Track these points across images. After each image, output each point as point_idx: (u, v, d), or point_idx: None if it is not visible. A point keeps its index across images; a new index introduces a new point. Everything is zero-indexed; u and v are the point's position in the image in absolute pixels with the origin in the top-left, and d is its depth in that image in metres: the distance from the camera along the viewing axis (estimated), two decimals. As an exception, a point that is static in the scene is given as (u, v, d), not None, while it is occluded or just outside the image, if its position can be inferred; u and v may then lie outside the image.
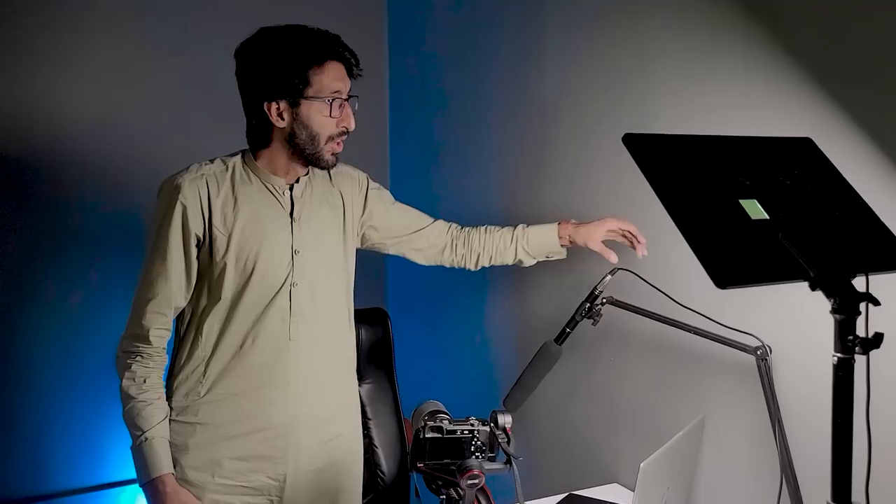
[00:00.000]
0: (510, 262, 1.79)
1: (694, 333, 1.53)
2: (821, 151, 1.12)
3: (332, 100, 1.49)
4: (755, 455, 1.50)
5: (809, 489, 1.36)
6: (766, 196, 0.98)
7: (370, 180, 1.75)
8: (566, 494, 1.78)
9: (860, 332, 0.91)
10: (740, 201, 0.96)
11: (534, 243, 1.76)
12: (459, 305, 2.47)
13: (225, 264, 1.50)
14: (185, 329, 1.57)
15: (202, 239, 1.51)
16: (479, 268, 1.81)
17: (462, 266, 1.82)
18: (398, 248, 1.78)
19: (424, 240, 1.78)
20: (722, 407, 1.60)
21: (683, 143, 1.03)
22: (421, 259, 1.81)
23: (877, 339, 0.89)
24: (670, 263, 1.60)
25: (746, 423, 1.52)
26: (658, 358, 1.77)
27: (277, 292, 1.53)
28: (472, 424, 1.26)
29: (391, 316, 2.30)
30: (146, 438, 1.47)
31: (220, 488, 1.52)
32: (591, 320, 1.68)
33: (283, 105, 1.49)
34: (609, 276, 1.72)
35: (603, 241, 1.69)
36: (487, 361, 2.39)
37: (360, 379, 2.15)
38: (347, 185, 1.69)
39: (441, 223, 1.81)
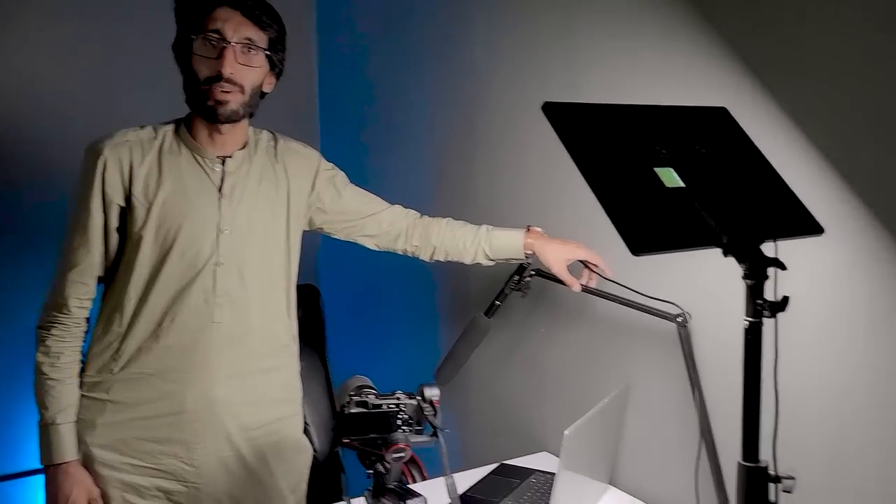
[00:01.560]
0: (467, 262, 1.70)
1: (618, 303, 1.56)
2: (735, 121, 1.14)
3: (201, 37, 1.41)
4: (677, 419, 1.55)
5: (726, 449, 1.40)
6: (681, 164, 1.00)
7: (323, 160, 1.66)
8: (497, 464, 1.80)
9: (769, 296, 0.94)
10: (656, 169, 0.97)
11: (496, 247, 1.66)
12: (392, 281, 2.46)
13: (142, 236, 1.44)
14: (104, 302, 1.50)
15: (124, 207, 1.45)
16: (432, 261, 1.73)
17: (415, 256, 1.73)
18: (348, 233, 1.69)
19: (376, 225, 1.69)
20: (646, 373, 1.64)
21: (601, 111, 1.03)
22: (372, 245, 1.72)
23: (783, 303, 0.92)
24: (596, 235, 1.62)
25: (669, 388, 1.56)
26: (585, 328, 1.80)
27: (200, 271, 1.46)
28: (398, 398, 1.25)
29: (322, 293, 2.28)
30: (52, 422, 1.42)
31: (128, 468, 1.47)
32: (520, 293, 1.69)
33: (177, 51, 1.45)
34: (537, 248, 1.74)
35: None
36: (419, 336, 2.39)
37: (291, 357, 2.13)
38: (294, 164, 1.60)
39: (398, 209, 1.72)
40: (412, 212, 1.74)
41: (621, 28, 1.64)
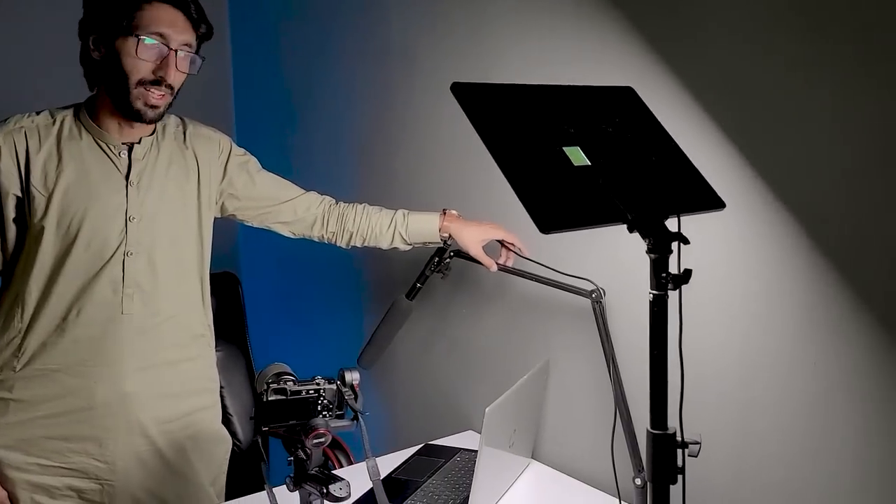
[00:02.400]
0: (385, 247, 1.70)
1: (536, 281, 1.59)
2: (641, 100, 1.17)
3: (144, 39, 1.35)
4: (594, 391, 1.59)
5: (641, 419, 1.45)
6: (588, 143, 1.02)
7: (234, 145, 1.62)
8: (422, 445, 1.81)
9: (673, 269, 0.97)
10: (564, 148, 0.99)
11: (413, 231, 1.67)
12: (314, 268, 2.43)
13: (43, 227, 1.37)
14: (3, 297, 1.43)
15: (21, 197, 1.38)
16: (349, 247, 1.72)
17: (332, 243, 1.72)
18: (262, 220, 1.66)
19: (291, 212, 1.66)
20: (565, 349, 1.68)
21: (510, 91, 1.04)
22: (287, 232, 1.70)
23: (686, 275, 0.96)
24: (512, 215, 1.64)
25: (586, 362, 1.60)
26: (506, 307, 1.82)
27: (108, 261, 1.41)
28: (317, 384, 1.24)
29: (243, 281, 2.23)
30: None
31: (35, 468, 1.41)
32: (441, 274, 1.70)
33: (100, 38, 1.37)
34: (457, 229, 1.75)
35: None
36: (343, 322, 2.37)
37: (212, 347, 2.08)
38: (204, 149, 1.55)
39: (313, 195, 1.70)
40: (327, 198, 1.73)
41: (533, 7, 1.66)
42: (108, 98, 1.41)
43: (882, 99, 1.13)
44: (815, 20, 1.19)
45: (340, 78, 2.26)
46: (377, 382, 2.20)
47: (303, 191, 1.69)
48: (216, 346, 2.08)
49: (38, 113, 1.43)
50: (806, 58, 1.21)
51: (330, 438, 1.20)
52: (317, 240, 1.73)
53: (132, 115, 1.39)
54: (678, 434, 0.98)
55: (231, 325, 2.12)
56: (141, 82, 1.37)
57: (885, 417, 1.17)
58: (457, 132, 1.87)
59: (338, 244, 1.72)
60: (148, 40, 1.35)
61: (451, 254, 1.69)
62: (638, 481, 1.44)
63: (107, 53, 1.37)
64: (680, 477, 0.98)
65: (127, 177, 1.43)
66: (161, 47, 1.37)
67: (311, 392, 1.22)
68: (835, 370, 1.22)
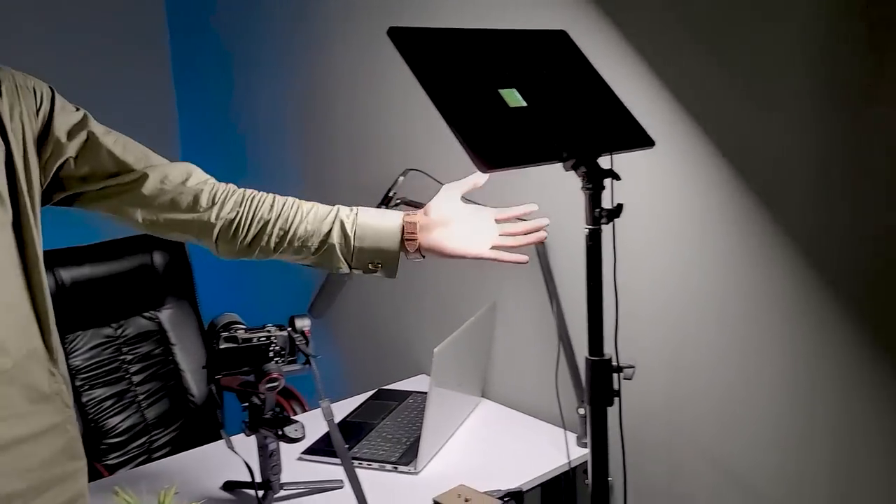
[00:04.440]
0: (313, 248, 1.18)
1: (480, 225, 1.63)
2: (574, 44, 1.20)
3: None
4: (538, 328, 1.66)
5: (582, 353, 1.52)
6: (524, 85, 1.05)
7: (59, 97, 1.10)
8: (375, 390, 1.86)
9: (606, 205, 1.02)
10: (500, 90, 1.01)
11: (364, 226, 1.19)
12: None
13: None
14: None
15: None
16: (257, 252, 1.18)
17: (218, 242, 1.17)
18: (111, 201, 1.13)
19: (156, 183, 1.13)
20: (511, 289, 1.73)
21: (446, 36, 1.06)
22: (144, 218, 1.14)
23: (618, 209, 1.01)
24: (456, 161, 1.67)
25: (531, 300, 1.66)
26: (452, 253, 1.86)
27: None
28: (268, 331, 1.26)
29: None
30: None
31: None
32: (387, 222, 1.72)
33: None
34: (402, 178, 1.77)
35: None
36: (293, 273, 2.38)
37: (160, 304, 2.08)
38: (13, 107, 1.02)
39: (194, 167, 1.19)
40: (215, 181, 1.21)
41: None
42: None
43: (807, 35, 1.18)
44: (739, -38, 1.24)
45: (278, 33, 2.23)
46: (329, 331, 2.23)
47: (167, 161, 1.18)
48: (166, 305, 2.10)
49: None
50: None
51: (283, 383, 1.24)
52: (193, 238, 1.17)
53: None
54: (614, 359, 1.04)
55: (179, 281, 2.12)
56: None
57: (812, 351, 1.25)
58: (395, 79, 1.88)
59: (236, 244, 1.16)
60: None
61: (398, 202, 1.72)
62: (581, 411, 1.52)
63: None
64: (617, 399, 1.05)
65: None
66: None
67: (262, 339, 1.25)
68: (764, 300, 1.30)
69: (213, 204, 1.16)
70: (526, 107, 1.02)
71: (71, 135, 1.09)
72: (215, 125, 2.55)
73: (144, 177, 1.14)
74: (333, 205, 1.21)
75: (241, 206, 1.16)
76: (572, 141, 1.02)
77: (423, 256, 1.20)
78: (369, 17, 1.93)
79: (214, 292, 2.30)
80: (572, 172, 1.01)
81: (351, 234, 1.17)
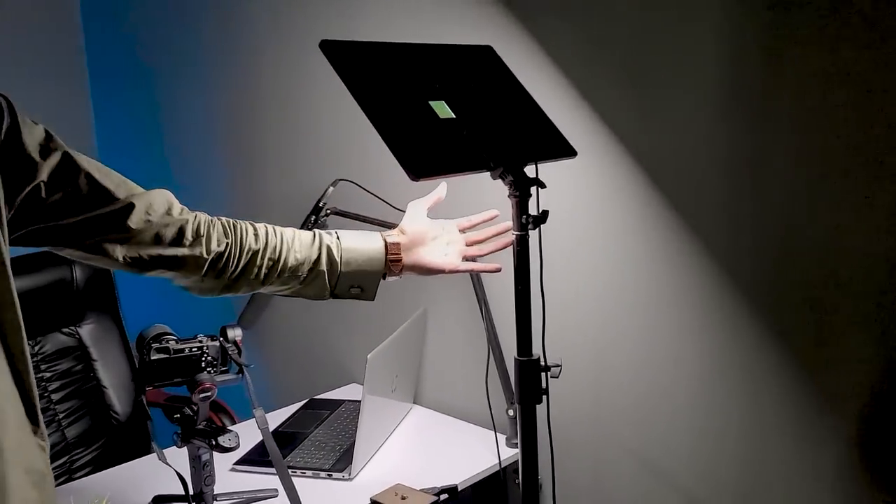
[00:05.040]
0: (301, 275, 1.14)
1: (410, 234, 1.66)
2: (499, 58, 1.25)
3: None
4: (469, 333, 1.70)
5: (510, 353, 1.57)
6: (453, 98, 1.09)
7: (20, 114, 0.90)
8: (307, 400, 1.86)
9: (533, 212, 1.07)
10: (430, 102, 1.05)
11: (350, 248, 1.16)
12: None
13: None
14: None
15: None
16: (246, 287, 1.12)
17: (206, 279, 1.09)
18: (86, 240, 0.98)
19: (141, 215, 1.00)
20: (442, 295, 1.77)
21: (377, 49, 1.09)
22: (124, 255, 1.01)
23: (544, 216, 1.06)
24: (385, 170, 1.70)
25: (461, 306, 1.70)
26: (383, 261, 1.88)
27: None
28: (200, 341, 1.26)
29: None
30: None
31: None
32: (318, 231, 1.73)
33: None
34: (331, 188, 1.79)
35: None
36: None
37: (80, 320, 2.02)
38: None
39: (170, 195, 1.07)
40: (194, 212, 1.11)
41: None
42: None
43: (723, 43, 1.27)
44: (651, -16, 1.32)
45: (206, 42, 2.21)
46: (260, 342, 2.21)
47: (142, 189, 1.04)
48: (87, 319, 2.03)
49: None
50: (652, 17, 1.33)
51: (216, 392, 1.23)
52: (178, 275, 1.07)
53: None
54: (542, 359, 1.09)
55: (100, 295, 2.06)
56: None
57: (724, 350, 1.34)
58: (323, 90, 1.89)
59: (224, 279, 1.09)
60: None
61: (328, 212, 1.73)
62: (511, 412, 1.56)
63: None
64: (545, 397, 1.10)
65: None
66: None
67: (194, 349, 1.24)
68: (682, 302, 1.38)
69: (199, 236, 1.05)
70: (455, 118, 1.06)
71: (43, 154, 0.90)
72: (137, 139, 2.49)
73: (129, 207, 0.99)
74: (260, 220, 1.15)
75: (227, 237, 1.07)
76: (499, 151, 1.07)
77: (401, 276, 1.17)
78: (295, 29, 1.94)
79: (139, 305, 2.25)
80: (500, 181, 1.06)
81: (337, 259, 1.12)
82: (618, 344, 1.47)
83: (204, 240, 1.05)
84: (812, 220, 1.19)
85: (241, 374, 1.25)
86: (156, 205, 1.02)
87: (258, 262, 1.08)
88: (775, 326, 1.26)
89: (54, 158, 0.92)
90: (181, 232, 1.04)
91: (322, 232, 1.15)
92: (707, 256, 1.33)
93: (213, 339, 1.27)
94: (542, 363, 1.09)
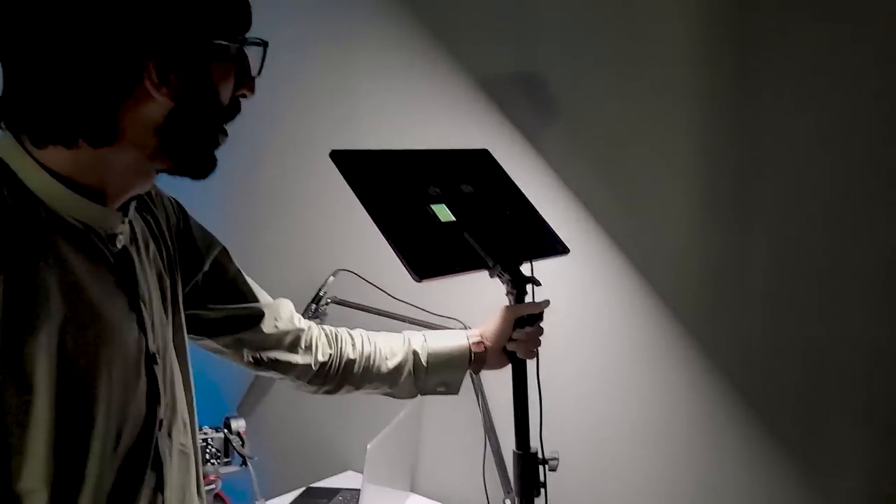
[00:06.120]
0: (384, 371, 1.17)
1: (409, 323, 1.71)
2: (496, 161, 1.33)
3: (239, 46, 0.84)
4: (466, 422, 1.72)
5: (508, 444, 1.60)
6: (452, 201, 1.16)
7: (183, 207, 1.03)
8: (304, 488, 1.86)
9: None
10: (432, 206, 1.12)
11: (436, 348, 1.19)
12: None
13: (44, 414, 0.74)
14: None
15: None
16: (329, 386, 1.17)
17: (306, 381, 1.14)
18: (226, 334, 1.06)
19: (271, 322, 1.08)
20: (437, 386, 1.80)
21: (382, 157, 1.17)
22: (251, 357, 1.09)
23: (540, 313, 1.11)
24: (384, 261, 1.76)
25: (458, 396, 1.73)
26: (380, 349, 1.92)
27: (135, 444, 0.82)
28: (205, 433, 1.28)
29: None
30: None
31: None
32: (318, 320, 1.78)
33: (174, 64, 0.77)
34: (332, 278, 1.84)
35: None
36: (219, 371, 2.37)
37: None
38: (162, 216, 0.97)
39: (290, 304, 1.15)
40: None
41: (389, 76, 1.81)
42: (140, 149, 0.79)
43: (710, 149, 1.36)
44: (652, 85, 1.42)
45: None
46: (257, 429, 2.21)
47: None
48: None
49: None
50: (639, 118, 1.43)
51: (220, 485, 1.25)
52: (287, 378, 1.13)
53: (196, 170, 0.85)
54: (540, 452, 1.12)
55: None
56: (233, 107, 0.86)
57: (710, 432, 1.38)
58: (323, 181, 1.97)
59: (324, 385, 1.16)
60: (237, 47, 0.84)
61: (328, 301, 1.78)
62: (507, 502, 1.57)
63: (184, 83, 0.79)
64: (543, 490, 1.12)
65: (130, 286, 0.84)
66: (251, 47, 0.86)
67: (199, 443, 1.26)
68: (672, 387, 1.42)
69: (310, 346, 1.13)
70: (455, 221, 1.13)
71: (207, 249, 1.03)
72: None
73: (264, 311, 1.08)
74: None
75: (330, 347, 1.15)
76: (497, 250, 1.13)
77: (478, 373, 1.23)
78: (299, 131, 2.04)
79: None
80: (497, 278, 1.12)
81: (424, 364, 1.17)
82: (615, 432, 1.50)
83: (313, 349, 1.13)
84: (792, 316, 1.25)
85: (244, 465, 1.28)
86: (283, 312, 1.11)
87: (354, 369, 1.16)
88: (768, 422, 1.31)
89: (213, 253, 1.04)
90: (297, 340, 1.12)
91: (410, 335, 1.20)
92: (694, 352, 1.38)
93: (217, 431, 1.30)
94: (541, 456, 1.12)
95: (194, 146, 0.82)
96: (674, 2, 1.34)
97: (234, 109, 0.86)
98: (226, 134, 0.85)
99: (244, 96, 0.85)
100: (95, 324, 0.77)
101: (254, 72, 0.86)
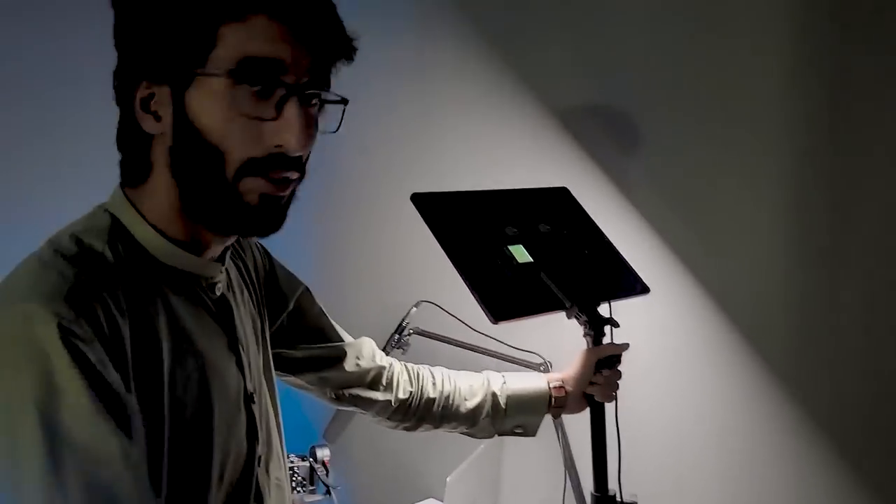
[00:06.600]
0: (463, 411, 1.20)
1: (489, 355, 1.72)
2: (574, 199, 1.34)
3: (259, 84, 0.74)
4: (546, 458, 1.71)
5: (589, 480, 1.58)
6: (529, 241, 1.17)
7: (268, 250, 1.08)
8: (386, 515, 1.90)
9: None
10: (509, 247, 1.14)
11: (515, 391, 1.22)
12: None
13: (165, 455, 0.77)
14: None
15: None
16: (409, 423, 1.21)
17: (389, 419, 1.19)
18: (308, 371, 1.11)
19: (353, 360, 1.13)
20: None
21: (460, 198, 1.20)
22: (335, 393, 1.14)
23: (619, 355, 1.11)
24: (466, 293, 1.78)
25: (540, 432, 1.73)
26: (462, 379, 1.94)
27: (239, 479, 0.86)
28: (291, 461, 1.33)
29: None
30: None
31: None
32: (401, 350, 1.82)
33: (158, 91, 0.74)
34: (414, 309, 1.88)
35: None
36: (305, 399, 2.45)
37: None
38: (251, 258, 1.03)
39: (371, 343, 1.20)
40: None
41: (470, 118, 1.84)
42: (170, 190, 0.79)
43: (793, 188, 1.32)
44: (728, 122, 1.40)
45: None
46: (340, 456, 2.27)
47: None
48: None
49: (67, 257, 0.73)
50: (727, 158, 1.41)
51: (304, 513, 1.29)
52: (367, 413, 1.17)
53: (242, 228, 0.82)
54: (618, 495, 1.12)
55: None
56: (252, 162, 0.76)
57: (794, 466, 1.32)
58: (406, 214, 2.02)
59: (403, 422, 1.19)
60: (253, 85, 0.74)
61: (410, 332, 1.82)
62: (588, 541, 1.55)
63: (176, 115, 0.75)
64: (621, 533, 1.11)
65: (229, 330, 0.88)
66: (278, 92, 0.76)
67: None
68: (759, 437, 1.38)
69: (390, 383, 1.16)
70: (532, 262, 1.14)
71: (291, 290, 1.08)
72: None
73: (346, 350, 1.13)
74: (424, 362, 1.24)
75: (411, 385, 1.18)
76: (575, 291, 1.13)
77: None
78: (379, 165, 2.10)
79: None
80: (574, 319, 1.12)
81: (503, 406, 1.19)
82: (698, 475, 1.46)
83: (394, 387, 1.17)
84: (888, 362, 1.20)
85: (328, 495, 1.32)
86: (364, 351, 1.16)
87: (434, 408, 1.19)
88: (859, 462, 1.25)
89: (296, 294, 1.09)
90: (378, 377, 1.16)
91: (490, 375, 1.22)
92: (781, 392, 1.33)
93: (303, 460, 1.35)
94: (619, 499, 1.11)
95: (204, 198, 0.77)
96: (767, 36, 1.31)
97: (268, 161, 0.76)
98: (237, 192, 0.76)
99: (280, 147, 0.76)
100: (203, 367, 0.81)
101: (329, 127, 0.82)
